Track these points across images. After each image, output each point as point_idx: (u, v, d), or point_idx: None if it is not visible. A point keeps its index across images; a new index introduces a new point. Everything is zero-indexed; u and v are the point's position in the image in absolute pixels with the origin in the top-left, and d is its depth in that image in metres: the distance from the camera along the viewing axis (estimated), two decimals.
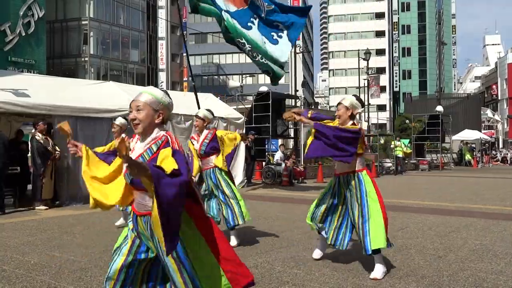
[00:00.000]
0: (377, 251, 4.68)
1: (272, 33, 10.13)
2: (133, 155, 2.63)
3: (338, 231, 5.06)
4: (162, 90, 2.78)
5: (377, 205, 4.72)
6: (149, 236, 2.64)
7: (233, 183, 6.23)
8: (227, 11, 10.05)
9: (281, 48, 10.19)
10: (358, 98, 5.09)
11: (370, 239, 4.64)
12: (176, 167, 2.34)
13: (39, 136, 9.65)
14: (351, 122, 4.96)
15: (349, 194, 4.89)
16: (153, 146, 2.58)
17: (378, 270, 4.67)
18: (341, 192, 5.01)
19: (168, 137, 2.58)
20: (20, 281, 4.52)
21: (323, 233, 5.20)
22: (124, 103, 11.54)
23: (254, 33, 10.02)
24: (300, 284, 4.46)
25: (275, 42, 10.11)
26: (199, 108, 11.23)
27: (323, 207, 5.12)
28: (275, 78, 10.60)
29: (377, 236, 4.63)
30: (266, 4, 10.28)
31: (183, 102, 14.16)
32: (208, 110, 6.33)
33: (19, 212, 9.15)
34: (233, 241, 6.13)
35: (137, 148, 2.68)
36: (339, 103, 5.04)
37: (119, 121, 7.40)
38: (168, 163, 2.38)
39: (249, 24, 10.01)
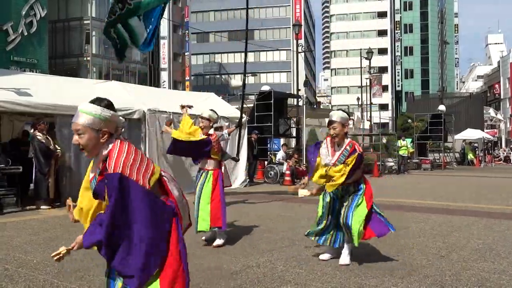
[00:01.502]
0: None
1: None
2: (91, 173, 2.49)
3: (336, 232, 5.25)
4: (101, 101, 2.47)
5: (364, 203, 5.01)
6: None
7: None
8: None
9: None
10: (345, 111, 5.18)
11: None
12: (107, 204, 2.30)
13: (40, 136, 9.64)
14: (347, 140, 5.02)
15: (346, 197, 5.10)
16: (100, 166, 2.42)
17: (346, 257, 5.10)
18: (336, 199, 5.17)
19: (112, 153, 2.36)
20: (23, 280, 4.53)
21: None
22: (126, 102, 11.56)
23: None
24: (302, 283, 4.46)
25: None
26: (241, 116, 11.00)
27: (323, 224, 5.27)
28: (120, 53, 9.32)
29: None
30: None
31: (186, 102, 14.17)
32: (212, 110, 6.39)
33: (21, 212, 9.16)
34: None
35: (92, 169, 2.49)
36: (332, 121, 4.94)
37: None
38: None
39: None
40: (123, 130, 2.56)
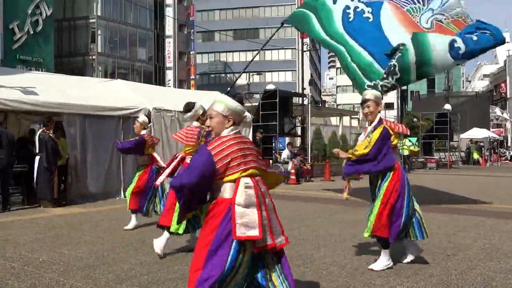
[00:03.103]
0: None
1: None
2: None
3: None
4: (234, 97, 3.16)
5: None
6: None
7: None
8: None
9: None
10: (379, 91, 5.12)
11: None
12: None
13: (52, 135, 9.67)
14: (378, 117, 4.89)
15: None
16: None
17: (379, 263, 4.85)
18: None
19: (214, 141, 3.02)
20: (29, 278, 4.55)
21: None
22: (131, 101, 11.58)
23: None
24: (307, 282, 4.45)
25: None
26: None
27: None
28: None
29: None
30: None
31: (192, 100, 14.18)
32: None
33: (27, 210, 9.20)
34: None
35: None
36: (366, 100, 4.91)
37: (141, 118, 7.41)
38: None
39: None
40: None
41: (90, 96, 10.92)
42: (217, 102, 3.10)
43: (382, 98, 5.16)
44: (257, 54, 10.54)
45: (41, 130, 9.62)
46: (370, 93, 5.00)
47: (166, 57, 48.18)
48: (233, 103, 3.08)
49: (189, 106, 5.80)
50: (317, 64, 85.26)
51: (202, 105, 5.88)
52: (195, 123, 5.75)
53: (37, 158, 9.44)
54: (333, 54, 10.35)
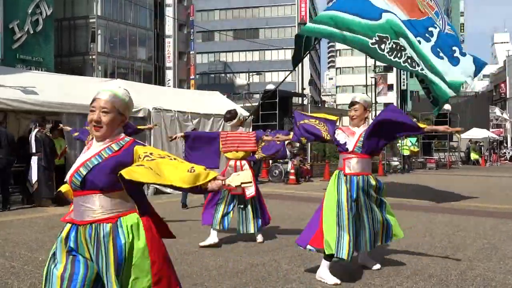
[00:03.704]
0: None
1: (454, 48, 8.76)
2: (88, 153, 2.45)
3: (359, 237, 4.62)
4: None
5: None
6: (91, 249, 2.35)
7: None
8: (392, 13, 8.89)
9: (462, 67, 8.67)
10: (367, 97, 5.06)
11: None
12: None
13: (49, 134, 9.68)
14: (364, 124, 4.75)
15: (367, 197, 4.61)
16: (113, 145, 2.41)
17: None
18: (358, 195, 4.58)
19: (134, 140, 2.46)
20: (29, 278, 4.55)
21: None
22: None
23: (423, 46, 8.69)
24: (307, 282, 4.45)
25: (455, 62, 8.67)
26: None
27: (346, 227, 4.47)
28: (437, 98, 8.93)
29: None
30: (449, 27, 9.20)
31: (191, 100, 14.21)
32: None
33: (27, 209, 9.20)
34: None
35: (93, 146, 2.47)
36: (355, 103, 4.74)
37: None
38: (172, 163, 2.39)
39: (419, 38, 8.67)
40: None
41: (90, 96, 10.58)
42: (113, 94, 2.51)
43: (371, 106, 5.15)
44: (289, 74, 10.55)
45: (37, 129, 9.59)
46: (359, 97, 4.88)
47: (166, 57, 48.17)
48: (131, 100, 2.54)
49: (231, 114, 6.22)
50: (317, 64, 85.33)
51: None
52: (241, 128, 6.41)
53: (34, 158, 9.41)
54: (333, 54, 10.42)
